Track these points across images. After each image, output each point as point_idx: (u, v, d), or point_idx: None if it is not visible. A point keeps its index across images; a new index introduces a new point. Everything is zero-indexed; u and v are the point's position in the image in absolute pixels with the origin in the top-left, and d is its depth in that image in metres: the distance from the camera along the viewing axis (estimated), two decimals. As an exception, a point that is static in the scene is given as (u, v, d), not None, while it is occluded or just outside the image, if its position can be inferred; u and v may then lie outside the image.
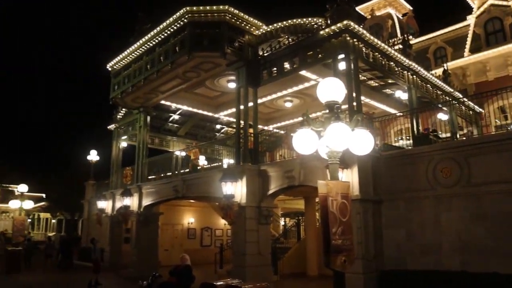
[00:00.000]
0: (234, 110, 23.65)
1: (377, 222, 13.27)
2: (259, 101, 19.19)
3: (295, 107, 23.36)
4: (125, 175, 24.01)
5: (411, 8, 35.72)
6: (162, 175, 22.46)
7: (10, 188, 56.56)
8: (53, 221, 63.79)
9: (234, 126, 27.17)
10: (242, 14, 17.61)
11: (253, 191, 16.51)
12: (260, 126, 20.22)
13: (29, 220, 62.20)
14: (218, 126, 28.65)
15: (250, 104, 17.89)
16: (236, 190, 16.35)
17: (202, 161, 25.41)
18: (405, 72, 18.13)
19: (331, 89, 6.17)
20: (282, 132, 21.52)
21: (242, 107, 17.92)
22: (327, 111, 6.19)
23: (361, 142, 6.02)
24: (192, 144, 25.06)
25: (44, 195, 58.82)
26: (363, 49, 15.46)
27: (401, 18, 34.54)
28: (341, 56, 14.71)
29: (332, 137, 5.86)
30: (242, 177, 16.53)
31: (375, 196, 13.36)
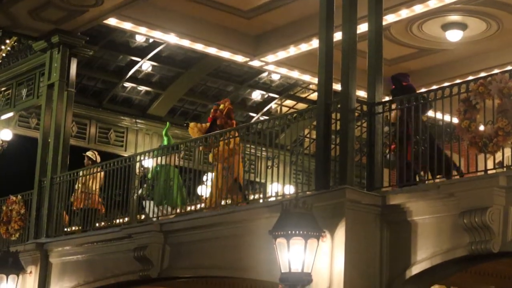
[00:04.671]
0: (301, 47, 10.57)
1: None
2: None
3: (471, 43, 10.49)
4: (4, 217, 9.70)
5: None
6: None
7: None
8: None
9: (296, 94, 14.55)
10: None
11: (364, 263, 5.60)
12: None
13: None
14: (256, 95, 14.93)
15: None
16: (316, 260, 5.44)
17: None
18: None
19: None
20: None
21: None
22: None
23: None
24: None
25: None
26: None
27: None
28: None
29: None
30: (335, 226, 5.55)
31: None
